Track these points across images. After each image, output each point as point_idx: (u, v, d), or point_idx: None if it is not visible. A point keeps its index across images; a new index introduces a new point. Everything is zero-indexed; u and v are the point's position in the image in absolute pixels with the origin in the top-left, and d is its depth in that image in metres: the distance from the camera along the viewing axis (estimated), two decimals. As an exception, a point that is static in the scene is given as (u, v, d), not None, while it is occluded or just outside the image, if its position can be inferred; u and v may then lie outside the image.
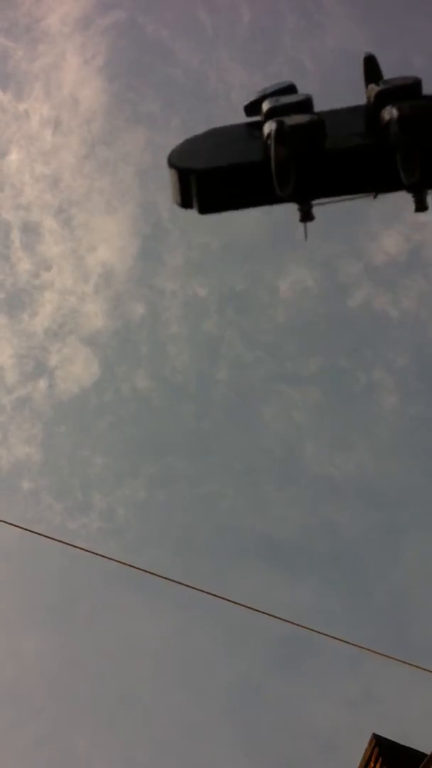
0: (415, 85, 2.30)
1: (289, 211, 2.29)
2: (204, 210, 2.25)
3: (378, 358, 21.58)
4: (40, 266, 21.95)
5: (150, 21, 21.07)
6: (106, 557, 8.69)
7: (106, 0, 21.99)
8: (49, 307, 22.04)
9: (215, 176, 2.25)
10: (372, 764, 12.97)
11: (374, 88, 2.32)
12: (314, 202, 2.25)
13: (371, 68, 2.40)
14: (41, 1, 20.91)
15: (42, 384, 22.23)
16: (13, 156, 21.61)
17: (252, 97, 2.43)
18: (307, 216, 2.26)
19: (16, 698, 21.43)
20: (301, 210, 2.25)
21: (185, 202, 2.28)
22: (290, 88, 2.39)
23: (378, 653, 9.42)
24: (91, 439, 23.06)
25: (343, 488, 21.45)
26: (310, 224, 2.27)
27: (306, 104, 2.31)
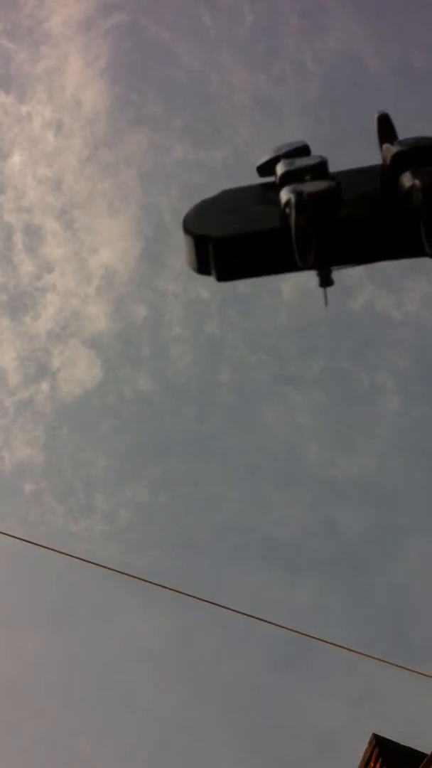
0: None
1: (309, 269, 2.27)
2: (222, 278, 2.22)
3: (380, 359, 21.61)
4: (43, 268, 21.92)
5: (152, 23, 21.01)
6: (105, 567, 8.66)
7: (109, 2, 21.92)
8: (52, 310, 22.01)
9: (233, 244, 2.22)
10: (372, 764, 13.02)
11: (390, 149, 2.30)
12: (333, 267, 2.23)
13: (385, 127, 2.38)
14: (43, 3, 20.83)
15: (44, 386, 22.21)
16: (16, 158, 21.55)
17: (264, 158, 2.41)
18: (326, 281, 2.24)
19: (16, 698, 21.41)
20: (320, 276, 2.23)
21: (202, 269, 2.26)
22: (304, 149, 2.37)
23: (374, 658, 9.42)
24: (94, 441, 23.07)
25: (345, 489, 21.49)
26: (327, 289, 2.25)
27: (321, 167, 2.29)
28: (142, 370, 22.74)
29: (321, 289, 2.33)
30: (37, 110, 21.54)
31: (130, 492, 22.88)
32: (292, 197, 2.14)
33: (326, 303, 2.23)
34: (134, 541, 21.65)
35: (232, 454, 22.84)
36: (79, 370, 22.33)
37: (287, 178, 2.26)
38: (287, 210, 2.16)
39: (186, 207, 2.33)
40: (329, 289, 2.25)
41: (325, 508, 22.06)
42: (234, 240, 2.22)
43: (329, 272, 2.23)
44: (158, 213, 20.79)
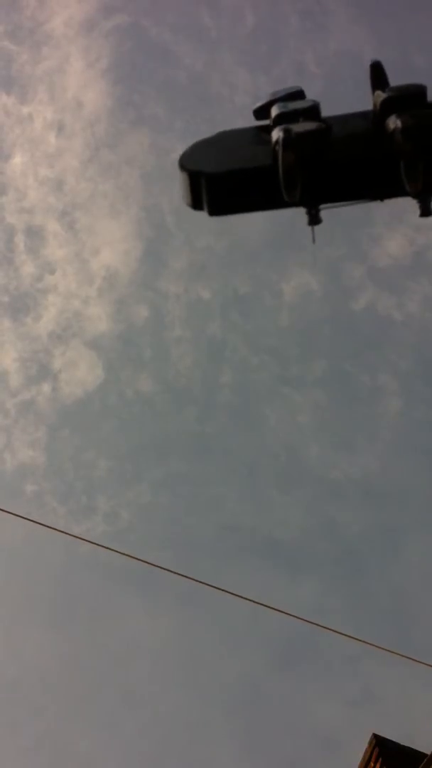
0: (421, 92, 2.35)
1: (293, 214, 2.34)
2: (214, 212, 2.30)
3: (382, 361, 21.62)
4: (44, 269, 22.00)
5: (153, 24, 21.13)
6: (111, 549, 8.73)
7: (110, 3, 22.02)
8: (53, 311, 22.10)
9: (225, 180, 2.30)
10: (372, 764, 13.00)
11: (380, 95, 2.38)
12: (321, 206, 2.31)
13: (378, 75, 2.45)
14: (45, 4, 20.96)
15: (46, 387, 22.28)
16: (17, 159, 21.66)
17: (261, 101, 2.49)
18: (314, 219, 2.31)
19: (16, 698, 21.49)
20: (308, 214, 2.30)
21: (195, 204, 2.34)
22: (299, 94, 2.45)
23: (381, 648, 9.46)
24: (95, 442, 23.11)
25: (346, 490, 21.49)
26: (315, 227, 2.33)
27: (313, 110, 2.37)
28: (144, 371, 22.83)
29: (313, 242, 2.39)
30: (39, 111, 21.69)
31: (132, 493, 22.95)
32: (281, 135, 2.22)
33: (314, 240, 2.31)
34: (136, 542, 21.70)
35: (233, 454, 22.90)
36: (80, 372, 22.43)
37: (280, 120, 2.34)
38: (276, 148, 2.24)
39: (187, 207, 2.41)
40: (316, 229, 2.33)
41: (326, 509, 22.08)
42: (225, 176, 2.30)
43: (317, 210, 2.30)
44: (159, 214, 20.93)
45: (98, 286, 21.79)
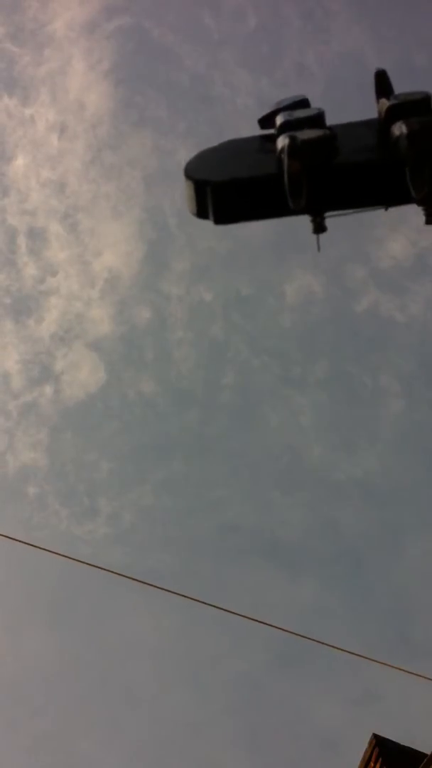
0: (426, 99, 2.36)
1: (296, 216, 2.35)
2: (219, 221, 2.31)
3: (384, 362, 21.64)
4: (46, 271, 22.01)
5: (156, 25, 21.15)
6: (106, 570, 8.73)
7: (112, 5, 22.02)
8: (55, 313, 22.11)
9: (230, 188, 2.31)
10: (372, 764, 13.01)
11: (385, 103, 2.39)
12: (326, 214, 2.32)
13: (382, 83, 2.46)
14: (47, 6, 20.96)
15: (48, 389, 22.30)
16: (19, 161, 21.67)
17: (266, 111, 2.50)
18: (319, 228, 2.32)
19: (16, 698, 21.50)
20: (313, 222, 2.31)
21: (201, 213, 2.35)
22: (303, 102, 2.46)
23: (374, 660, 9.47)
24: (97, 444, 23.12)
25: (348, 492, 21.51)
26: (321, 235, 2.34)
27: (318, 119, 2.38)
28: (146, 372, 22.83)
29: (318, 251, 2.40)
30: (41, 113, 21.68)
31: (134, 495, 22.96)
32: (286, 143, 2.23)
33: (319, 249, 2.32)
34: (138, 544, 21.71)
35: (235, 456, 22.91)
36: (82, 374, 22.42)
37: (285, 128, 2.35)
38: (282, 156, 2.25)
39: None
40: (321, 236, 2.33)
41: (328, 510, 22.09)
42: (231, 184, 2.31)
43: (322, 218, 2.31)
44: (162, 216, 20.92)
45: (100, 288, 21.81)
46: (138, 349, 22.58)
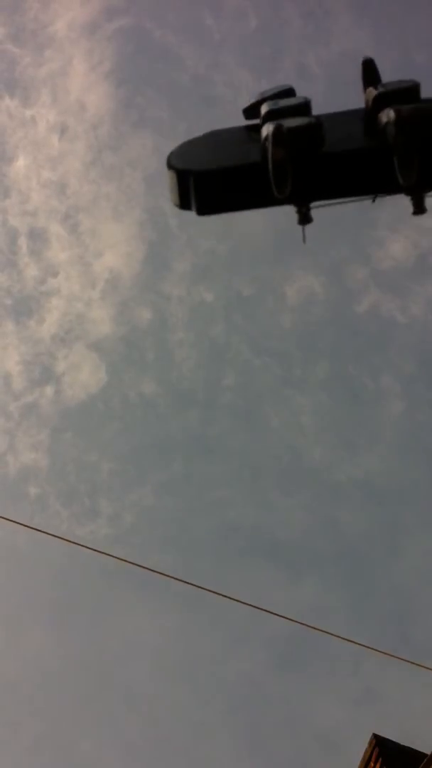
0: (414, 88, 2.31)
1: (295, 215, 2.30)
2: (202, 211, 2.26)
3: (385, 363, 21.57)
4: (47, 272, 21.95)
5: (156, 26, 21.07)
6: (112, 556, 8.70)
7: (113, 6, 21.95)
8: (56, 313, 22.06)
9: (213, 178, 2.26)
10: (372, 764, 12.96)
11: (372, 92, 2.34)
12: (312, 204, 2.26)
13: (370, 72, 2.41)
14: (48, 6, 20.89)
15: (49, 390, 22.23)
16: (20, 162, 21.61)
17: (251, 100, 2.45)
18: (305, 219, 2.27)
19: (16, 698, 21.47)
20: (299, 213, 2.26)
21: (183, 204, 2.30)
22: (289, 92, 2.40)
23: (381, 652, 9.42)
24: (98, 444, 23.07)
25: (349, 492, 21.45)
26: (315, 229, 2.28)
27: (304, 107, 2.32)
28: (147, 373, 22.80)
29: (304, 242, 2.35)
30: (42, 114, 21.65)
31: (135, 495, 22.93)
32: (271, 130, 2.18)
33: (304, 240, 2.26)
34: (139, 545, 21.69)
35: (236, 456, 22.87)
36: (83, 374, 22.41)
37: (270, 117, 2.30)
38: (266, 143, 2.20)
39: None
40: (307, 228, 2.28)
41: (328, 510, 22.05)
42: (214, 173, 2.26)
43: (308, 209, 2.26)
44: (162, 216, 20.86)
45: (101, 289, 21.75)
46: (139, 350, 22.54)
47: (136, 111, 21.19)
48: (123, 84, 21.18)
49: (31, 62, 20.85)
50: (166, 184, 2.30)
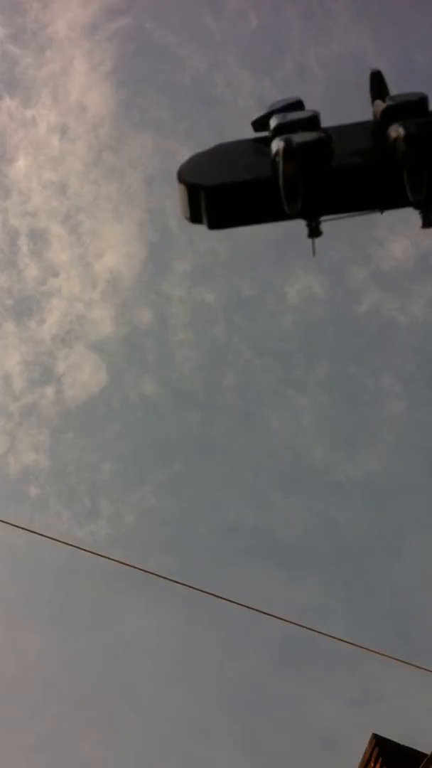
0: (422, 101, 2.32)
1: (291, 221, 2.31)
2: (213, 225, 2.28)
3: (385, 363, 21.58)
4: (48, 273, 21.95)
5: (157, 27, 21.06)
6: (112, 559, 8.71)
7: (114, 6, 21.93)
8: (57, 314, 22.05)
9: (224, 192, 2.27)
10: (372, 764, 12.98)
11: (381, 105, 2.35)
12: (322, 218, 2.28)
13: (378, 84, 2.43)
14: (48, 7, 20.88)
15: (49, 391, 22.23)
16: (21, 162, 21.60)
17: (259, 113, 2.46)
18: (314, 232, 2.28)
19: (17, 698, 21.48)
20: (308, 226, 2.28)
21: (194, 217, 2.31)
22: (297, 104, 2.42)
23: (380, 653, 9.44)
24: (99, 445, 23.08)
25: (349, 492, 21.47)
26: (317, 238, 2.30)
27: (313, 121, 2.34)
28: (147, 374, 22.83)
29: (314, 255, 2.37)
30: (42, 114, 21.67)
31: (135, 496, 22.97)
32: (282, 145, 2.19)
33: (314, 254, 2.28)
34: (139, 545, 21.72)
35: (236, 457, 22.89)
36: (83, 375, 22.42)
37: (279, 130, 2.31)
38: (277, 159, 2.21)
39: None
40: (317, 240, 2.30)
41: (328, 510, 22.07)
42: (225, 188, 2.27)
43: (318, 222, 2.28)
44: (163, 217, 20.87)
45: (102, 289, 21.75)
46: (139, 351, 22.54)
47: (137, 111, 21.20)
48: (123, 84, 21.19)
49: (32, 63, 20.86)
50: (175, 188, 2.31)
